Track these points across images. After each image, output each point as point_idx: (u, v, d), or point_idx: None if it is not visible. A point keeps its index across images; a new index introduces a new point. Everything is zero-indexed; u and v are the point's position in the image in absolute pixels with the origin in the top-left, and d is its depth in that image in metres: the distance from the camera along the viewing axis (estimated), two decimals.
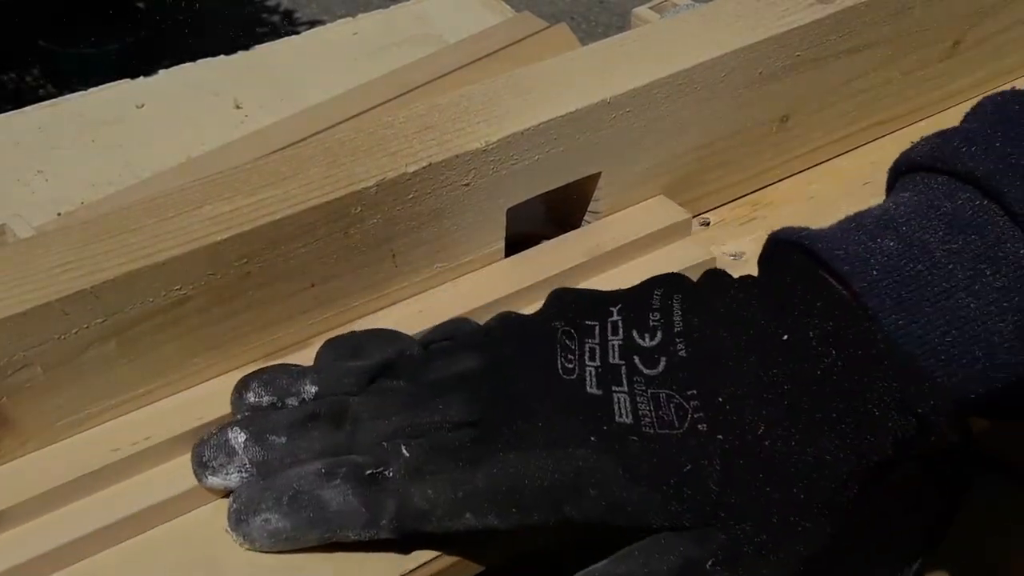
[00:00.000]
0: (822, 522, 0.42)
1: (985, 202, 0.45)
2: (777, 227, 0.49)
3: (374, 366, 0.50)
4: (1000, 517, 0.62)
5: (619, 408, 0.45)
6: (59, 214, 0.67)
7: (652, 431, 0.44)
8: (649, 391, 0.45)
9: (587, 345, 0.47)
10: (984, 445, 0.60)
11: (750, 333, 0.45)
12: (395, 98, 0.74)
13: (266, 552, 0.47)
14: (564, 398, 0.46)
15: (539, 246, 0.60)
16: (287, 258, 0.51)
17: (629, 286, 0.50)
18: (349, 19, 0.86)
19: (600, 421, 0.45)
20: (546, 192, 0.59)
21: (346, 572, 0.47)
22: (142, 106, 0.77)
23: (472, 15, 0.85)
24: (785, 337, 0.44)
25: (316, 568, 0.47)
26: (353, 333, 0.53)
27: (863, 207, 0.50)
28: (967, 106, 0.52)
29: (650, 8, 0.79)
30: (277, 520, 0.47)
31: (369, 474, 0.46)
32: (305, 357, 0.53)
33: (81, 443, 0.49)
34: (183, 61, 0.81)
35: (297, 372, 0.51)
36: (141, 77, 0.79)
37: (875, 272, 0.44)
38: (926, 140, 0.50)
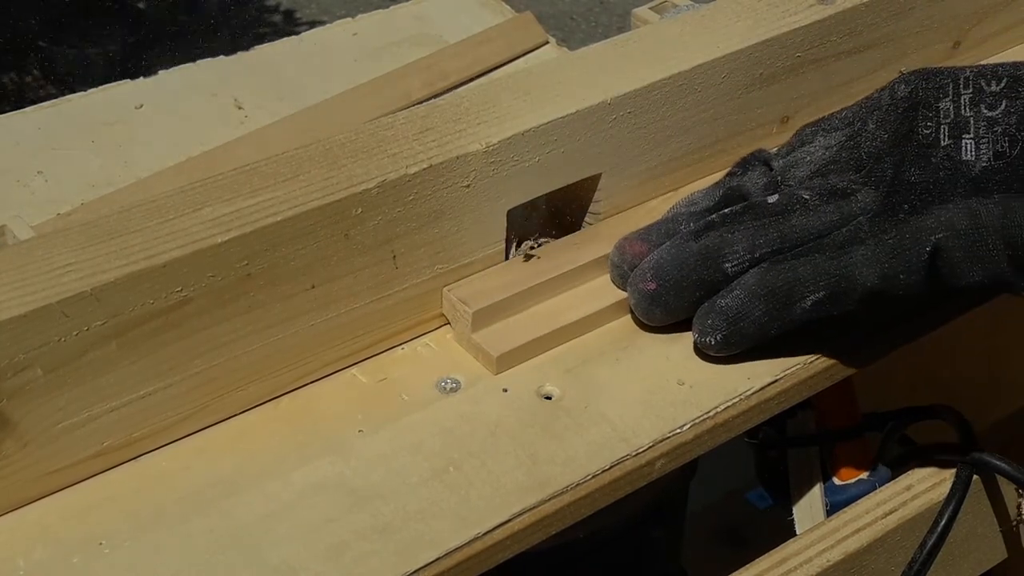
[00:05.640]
0: None
1: None
2: None
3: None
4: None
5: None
6: (58, 215, 0.67)
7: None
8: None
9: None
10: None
11: None
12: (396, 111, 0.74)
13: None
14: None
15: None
16: (288, 260, 0.51)
17: None
18: (349, 19, 0.86)
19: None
20: (546, 193, 0.59)
21: (347, 572, 0.47)
22: (142, 106, 0.76)
23: (472, 15, 0.85)
24: None
25: (316, 568, 0.47)
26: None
27: None
28: None
29: (650, 9, 0.79)
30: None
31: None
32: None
33: None
34: (183, 61, 0.81)
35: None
36: (141, 77, 0.79)
37: None
38: None
